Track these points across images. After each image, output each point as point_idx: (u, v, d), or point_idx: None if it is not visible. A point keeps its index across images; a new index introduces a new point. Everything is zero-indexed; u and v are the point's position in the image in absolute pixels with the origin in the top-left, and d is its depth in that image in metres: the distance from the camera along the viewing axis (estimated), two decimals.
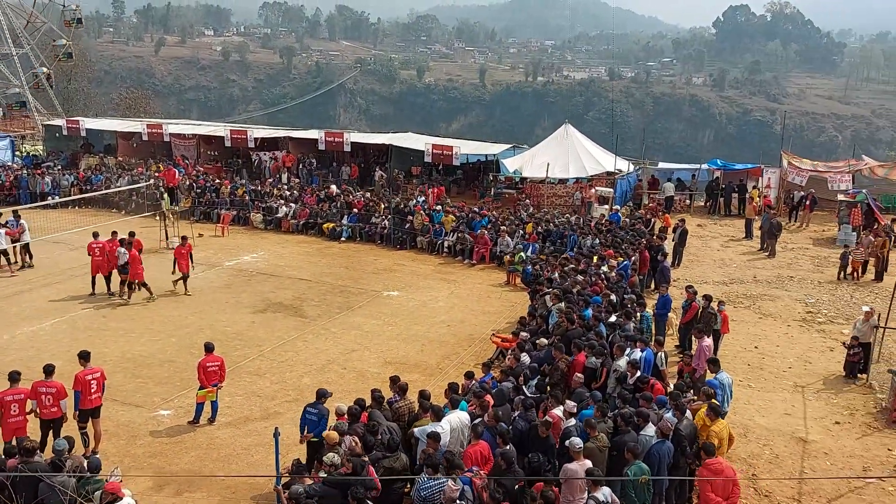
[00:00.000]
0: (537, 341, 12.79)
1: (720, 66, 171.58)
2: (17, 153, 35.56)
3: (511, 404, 10.23)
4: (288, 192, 28.37)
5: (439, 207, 25.57)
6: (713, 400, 10.01)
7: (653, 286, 18.50)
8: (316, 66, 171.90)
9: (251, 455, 11.19)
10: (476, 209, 25.55)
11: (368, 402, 10.45)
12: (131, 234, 19.29)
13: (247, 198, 27.94)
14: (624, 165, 30.44)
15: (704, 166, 30.72)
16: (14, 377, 10.58)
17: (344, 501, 7.78)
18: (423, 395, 10.44)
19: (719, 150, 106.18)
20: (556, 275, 17.40)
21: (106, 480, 8.21)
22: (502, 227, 23.14)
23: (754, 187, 28.08)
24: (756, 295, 19.18)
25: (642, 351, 11.76)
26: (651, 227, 24.11)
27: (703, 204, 30.15)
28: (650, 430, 9.19)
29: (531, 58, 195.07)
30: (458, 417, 9.73)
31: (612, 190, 27.28)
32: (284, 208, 27.07)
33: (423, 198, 27.33)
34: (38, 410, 10.53)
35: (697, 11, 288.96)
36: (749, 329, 16.76)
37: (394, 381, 11.15)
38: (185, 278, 19.05)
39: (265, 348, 15.41)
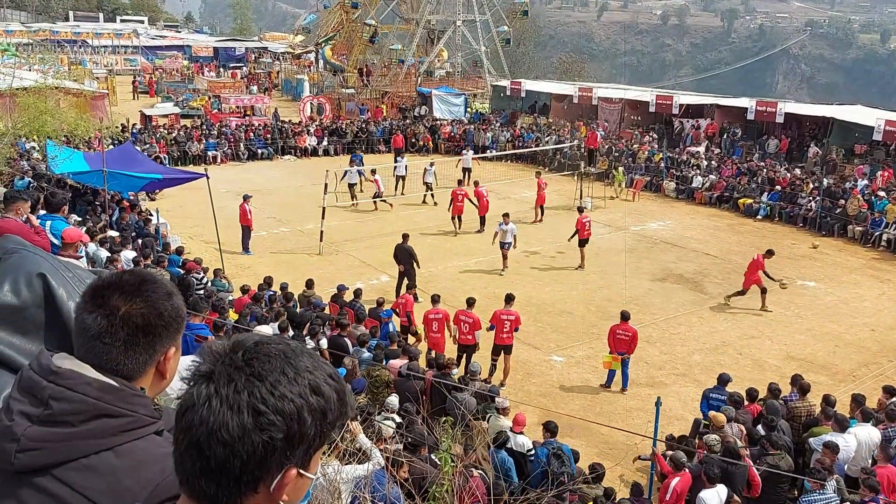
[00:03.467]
0: None
1: None
2: (468, 110, 40.61)
3: None
4: (705, 163, 27.37)
5: (883, 194, 22.04)
6: None
7: None
8: (759, 30, 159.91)
9: (632, 417, 11.42)
10: None
11: (762, 393, 9.84)
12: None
13: (662, 165, 27.74)
14: None
15: None
16: (435, 299, 12.52)
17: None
18: (828, 402, 9.41)
19: None
20: None
21: (495, 408, 9.24)
22: None
23: None
24: None
25: None
26: None
27: None
28: None
29: None
30: (867, 433, 8.57)
31: None
32: (699, 178, 26.22)
33: (865, 181, 23.84)
34: (456, 336, 12.25)
35: None
36: None
37: (795, 379, 10.26)
38: (763, 292, 15.87)
39: (658, 317, 15.38)
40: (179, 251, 15.47)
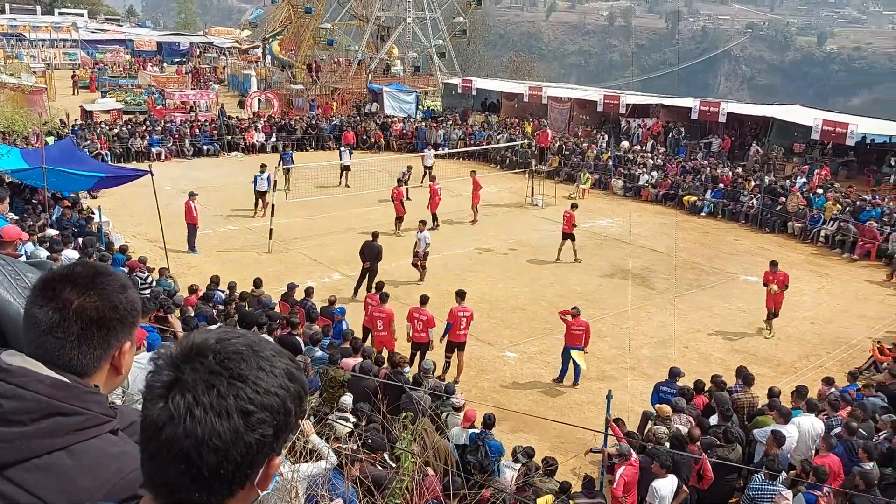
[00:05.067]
0: None
1: None
2: (420, 107, 40.51)
3: (875, 423, 8.98)
4: (651, 161, 27.94)
5: (821, 191, 22.86)
6: None
7: None
8: (702, 32, 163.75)
9: (583, 411, 11.59)
10: (867, 197, 22.28)
11: (707, 385, 10.10)
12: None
13: (610, 163, 28.19)
14: None
15: None
16: (383, 298, 12.42)
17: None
18: (772, 393, 9.73)
19: None
20: None
21: (452, 406, 9.27)
22: None
23: None
24: None
25: None
26: None
27: None
28: None
29: None
30: (810, 422, 8.87)
31: None
32: (646, 176, 26.75)
33: (804, 179, 24.67)
34: (409, 333, 12.19)
35: None
36: None
37: (741, 370, 10.56)
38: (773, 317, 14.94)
39: (608, 312, 15.64)
40: (123, 249, 15.06)
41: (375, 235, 16.01)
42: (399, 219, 20.52)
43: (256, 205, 21.79)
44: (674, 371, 10.49)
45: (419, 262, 16.85)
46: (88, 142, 27.30)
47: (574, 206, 19.40)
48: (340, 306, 12.94)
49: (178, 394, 1.11)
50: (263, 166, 21.96)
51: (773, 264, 15.03)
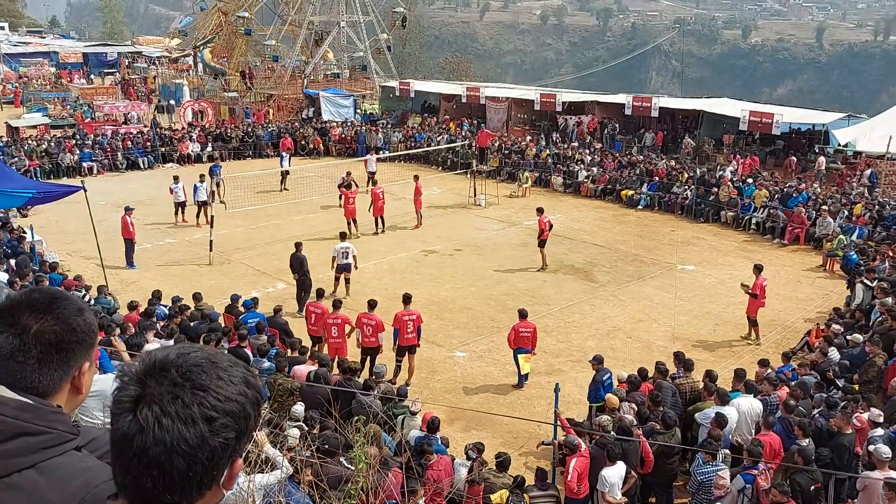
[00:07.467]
0: (849, 337, 11.48)
1: None
2: (358, 111, 40.38)
3: (811, 400, 9.43)
4: (589, 157, 28.50)
5: (750, 180, 23.74)
6: None
7: None
8: (632, 28, 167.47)
9: (533, 406, 11.79)
10: (794, 184, 23.24)
11: (651, 373, 10.40)
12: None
13: (549, 161, 28.65)
14: None
15: None
16: (336, 304, 12.44)
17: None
18: (711, 377, 10.07)
19: None
20: (886, 265, 15.28)
21: (409, 410, 9.32)
22: (824, 207, 20.77)
23: None
24: None
25: None
26: None
27: None
28: None
29: (884, 14, 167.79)
30: (749, 403, 9.23)
31: None
32: (584, 172, 27.28)
33: (733, 168, 25.56)
34: (360, 339, 12.20)
35: None
36: None
37: (679, 356, 10.90)
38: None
39: (554, 307, 15.93)
40: (53, 267, 14.66)
41: (298, 246, 15.65)
42: (354, 221, 20.58)
43: (198, 215, 21.69)
44: (598, 358, 10.76)
45: (337, 275, 16.20)
46: (16, 159, 26.36)
47: (540, 210, 18.59)
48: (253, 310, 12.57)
49: (145, 406, 1.21)
50: (202, 176, 22.36)
51: (758, 268, 14.64)
